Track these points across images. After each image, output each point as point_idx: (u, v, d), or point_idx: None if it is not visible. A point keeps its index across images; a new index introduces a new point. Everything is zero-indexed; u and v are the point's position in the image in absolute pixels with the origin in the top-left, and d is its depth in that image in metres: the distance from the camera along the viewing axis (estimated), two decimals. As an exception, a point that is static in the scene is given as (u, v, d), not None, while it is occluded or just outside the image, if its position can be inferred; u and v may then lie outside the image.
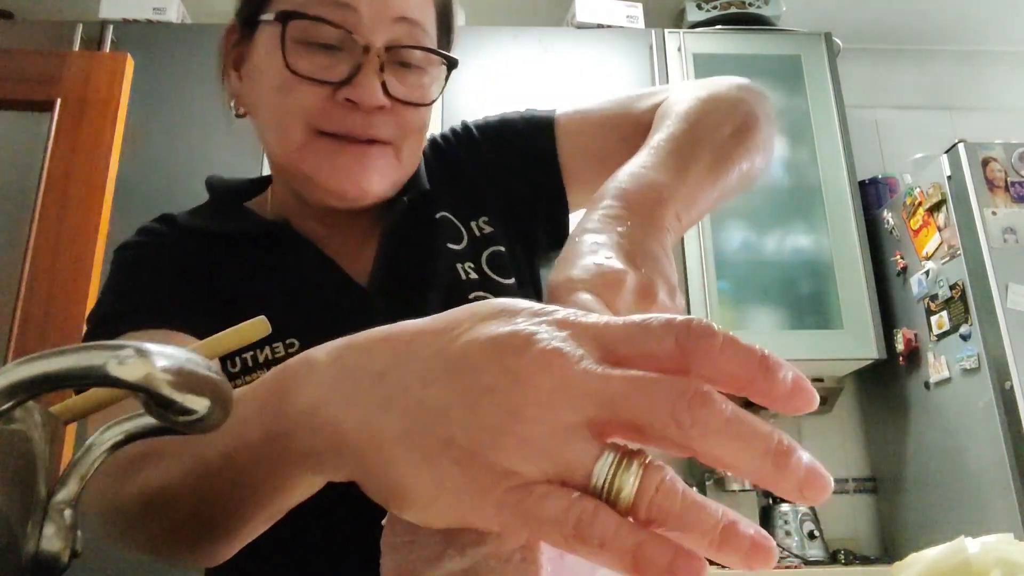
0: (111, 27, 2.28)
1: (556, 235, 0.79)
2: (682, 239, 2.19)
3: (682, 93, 0.68)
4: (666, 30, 2.51)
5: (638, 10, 2.56)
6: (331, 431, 0.33)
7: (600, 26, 2.51)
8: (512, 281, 0.75)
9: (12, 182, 1.86)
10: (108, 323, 0.64)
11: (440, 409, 0.30)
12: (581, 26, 2.51)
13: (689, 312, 1.94)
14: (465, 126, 0.81)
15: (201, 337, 0.44)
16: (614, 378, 0.28)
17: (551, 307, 0.32)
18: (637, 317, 0.30)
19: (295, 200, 0.72)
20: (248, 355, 0.65)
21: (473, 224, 0.76)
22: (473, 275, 0.73)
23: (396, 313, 0.71)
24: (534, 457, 0.28)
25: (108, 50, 2.23)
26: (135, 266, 0.70)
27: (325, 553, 0.63)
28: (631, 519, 0.28)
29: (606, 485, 0.28)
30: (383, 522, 0.36)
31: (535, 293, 0.79)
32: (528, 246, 0.79)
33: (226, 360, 0.65)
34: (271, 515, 0.43)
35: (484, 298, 0.74)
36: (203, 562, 0.48)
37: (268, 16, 0.66)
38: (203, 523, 0.43)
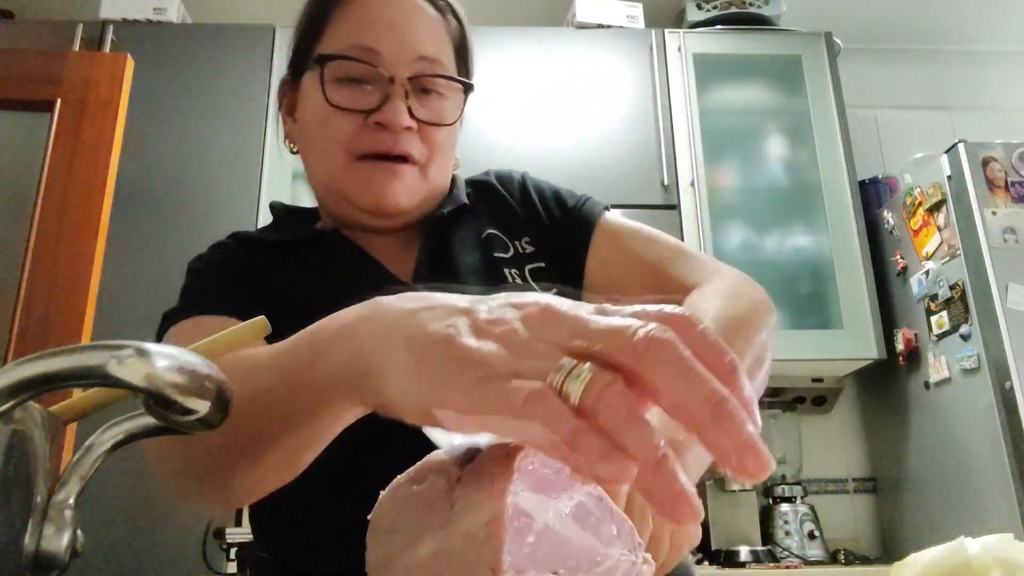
0: (111, 27, 2.28)
1: None
2: (681, 239, 2.19)
3: (710, 301, 0.70)
4: (666, 30, 2.51)
5: (638, 10, 2.56)
6: (358, 341, 0.39)
7: (600, 26, 2.51)
8: (554, 292, 0.78)
9: (12, 182, 1.86)
10: (173, 316, 0.72)
11: (448, 323, 0.34)
12: (581, 26, 2.51)
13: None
14: (523, 178, 0.90)
15: None
16: (595, 316, 0.32)
17: None
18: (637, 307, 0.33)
19: (337, 222, 0.82)
20: None
21: (517, 242, 0.83)
22: (519, 280, 0.79)
23: None
24: (505, 355, 0.32)
25: (108, 50, 2.22)
26: (201, 271, 0.79)
27: (326, 548, 0.66)
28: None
29: (560, 382, 0.30)
30: (368, 517, 0.39)
31: None
32: (563, 272, 0.84)
33: None
34: (297, 446, 0.47)
35: None
36: (226, 496, 0.54)
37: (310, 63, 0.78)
38: (233, 448, 0.49)
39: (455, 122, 0.80)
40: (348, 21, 0.77)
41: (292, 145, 0.84)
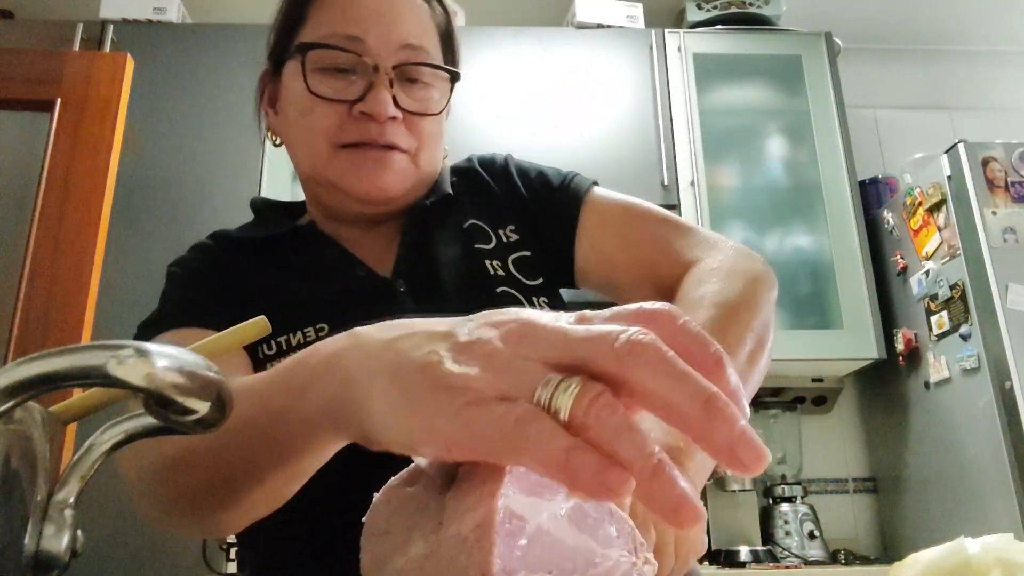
0: (111, 27, 2.28)
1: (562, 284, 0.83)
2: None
3: (705, 284, 0.68)
4: (666, 30, 2.51)
5: (638, 10, 2.56)
6: (341, 374, 0.38)
7: (600, 26, 2.51)
8: (540, 281, 0.79)
9: (12, 182, 1.86)
10: (150, 327, 0.71)
11: (428, 349, 0.33)
12: (581, 26, 2.51)
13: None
14: (505, 161, 0.87)
15: None
16: (574, 327, 0.31)
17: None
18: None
19: (324, 212, 0.80)
20: (282, 339, 0.71)
21: (501, 231, 0.81)
22: (500, 272, 0.77)
23: (418, 299, 0.75)
24: (490, 377, 0.31)
25: (108, 50, 2.22)
26: (179, 277, 0.77)
27: (320, 551, 0.66)
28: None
29: (548, 399, 0.29)
30: (363, 520, 0.39)
31: (559, 295, 0.82)
32: (550, 259, 0.81)
33: (260, 344, 0.71)
34: (282, 480, 0.46)
35: (511, 294, 0.77)
36: (214, 529, 0.54)
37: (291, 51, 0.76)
38: (218, 483, 0.48)
39: (441, 111, 0.78)
40: (331, 9, 0.75)
41: (275, 138, 0.82)
